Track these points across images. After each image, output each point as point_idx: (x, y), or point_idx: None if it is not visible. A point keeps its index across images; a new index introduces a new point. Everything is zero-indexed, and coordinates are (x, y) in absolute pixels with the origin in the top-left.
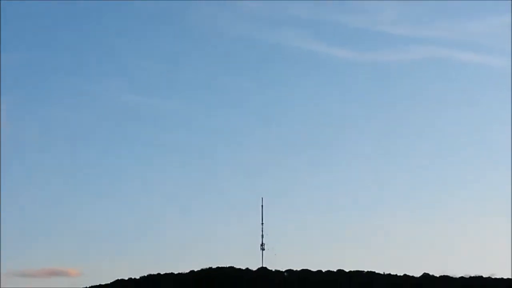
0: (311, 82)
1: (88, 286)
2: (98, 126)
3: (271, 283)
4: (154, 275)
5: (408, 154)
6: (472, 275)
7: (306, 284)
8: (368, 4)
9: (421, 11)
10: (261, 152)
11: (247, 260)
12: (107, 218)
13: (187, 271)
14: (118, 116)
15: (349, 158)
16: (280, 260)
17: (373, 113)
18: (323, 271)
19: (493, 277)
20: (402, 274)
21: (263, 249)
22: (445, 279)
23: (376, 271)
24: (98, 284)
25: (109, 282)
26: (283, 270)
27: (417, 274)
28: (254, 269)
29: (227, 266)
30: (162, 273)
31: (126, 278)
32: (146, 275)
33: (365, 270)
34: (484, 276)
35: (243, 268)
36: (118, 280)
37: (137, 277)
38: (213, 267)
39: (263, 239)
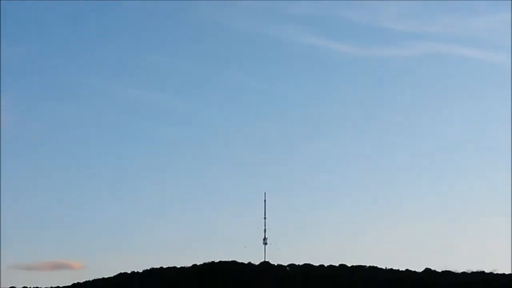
0: (313, 77)
1: (91, 279)
2: (102, 121)
3: (273, 277)
4: (157, 268)
5: (409, 150)
6: (474, 270)
7: (309, 278)
8: (370, 0)
9: (423, 7)
10: (263, 148)
11: (250, 254)
12: (111, 211)
13: (190, 264)
14: (122, 111)
15: (351, 154)
16: (283, 255)
17: (375, 109)
18: (325, 265)
19: (495, 272)
20: (404, 269)
21: (265, 244)
22: (447, 274)
23: (378, 266)
24: (101, 277)
25: (112, 275)
26: (286, 265)
27: (419, 269)
28: (257, 263)
29: (230, 260)
30: (165, 266)
31: (129, 272)
32: (149, 268)
33: (367, 265)
34: (486, 271)
35: (246, 262)
36: (121, 273)
37: (140, 271)
38: (215, 261)
39: (266, 233)
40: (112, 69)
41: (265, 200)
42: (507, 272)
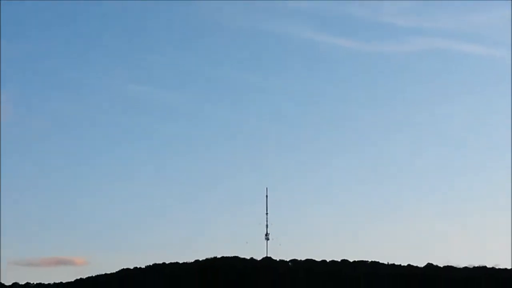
0: (314, 73)
1: (93, 275)
2: (103, 118)
3: (275, 272)
4: (159, 264)
5: (410, 146)
6: (476, 265)
7: (311, 274)
8: None
9: (423, 2)
10: (265, 143)
11: (252, 250)
12: (112, 207)
13: (192, 260)
14: (124, 107)
15: (352, 150)
16: (285, 250)
17: (375, 104)
18: (328, 261)
19: (496, 267)
20: (406, 264)
21: (267, 239)
22: (449, 269)
23: (380, 261)
24: (103, 273)
25: (114, 271)
26: (288, 260)
27: (421, 264)
28: (259, 259)
29: (232, 255)
30: (167, 262)
31: (132, 267)
32: (151, 264)
33: (369, 260)
34: (487, 266)
35: (248, 258)
36: (123, 269)
37: (143, 266)
38: (218, 256)
39: (268, 229)
40: (116, 65)
41: (267, 196)
42: (508, 267)
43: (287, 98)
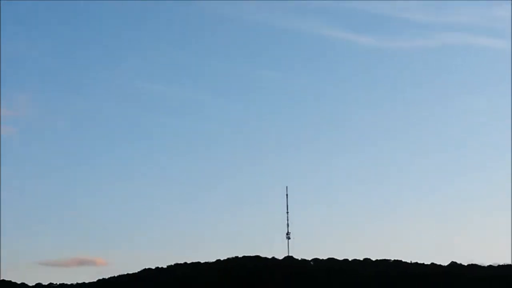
0: (334, 70)
1: (115, 275)
2: (121, 116)
3: (297, 272)
4: (180, 264)
5: (434, 141)
6: (501, 264)
7: (332, 273)
8: None
9: None
10: (285, 142)
11: (273, 249)
12: (134, 208)
13: (214, 260)
14: (139, 105)
15: (374, 147)
16: (306, 249)
17: (395, 99)
18: (350, 259)
19: None
20: (429, 263)
21: (288, 238)
22: (473, 267)
23: (403, 260)
24: (126, 273)
25: (136, 271)
26: (309, 259)
27: (445, 262)
28: (280, 258)
29: (253, 255)
30: (188, 262)
31: (153, 267)
32: (173, 264)
33: (392, 259)
34: None
35: (269, 257)
36: (145, 269)
37: (164, 266)
38: (239, 256)
39: (289, 228)
40: (127, 60)
41: (287, 195)
42: None
43: (306, 96)
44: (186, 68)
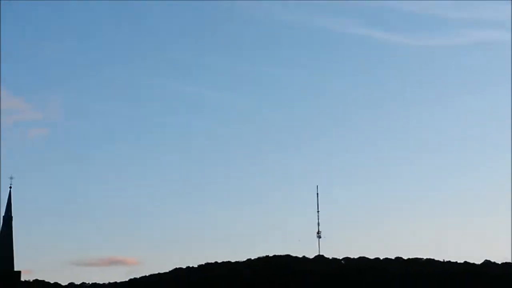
0: (367, 70)
1: (147, 275)
2: (164, 120)
3: (328, 271)
4: (211, 263)
5: (466, 139)
6: None
7: (363, 272)
8: None
9: None
10: (316, 141)
11: (304, 248)
12: (164, 207)
13: (244, 259)
14: (176, 107)
15: (404, 144)
16: (337, 248)
17: (428, 97)
18: (381, 258)
19: None
20: (462, 261)
21: (319, 237)
22: (508, 266)
23: (436, 258)
24: (157, 272)
25: (167, 271)
26: (340, 258)
27: (478, 261)
28: (311, 257)
29: (284, 254)
30: (219, 261)
31: (184, 267)
32: (203, 263)
33: (424, 258)
34: None
35: (300, 256)
36: (176, 268)
37: (195, 266)
38: (269, 255)
39: (319, 226)
40: (151, 59)
41: (317, 193)
42: None
43: (337, 93)
44: (226, 71)
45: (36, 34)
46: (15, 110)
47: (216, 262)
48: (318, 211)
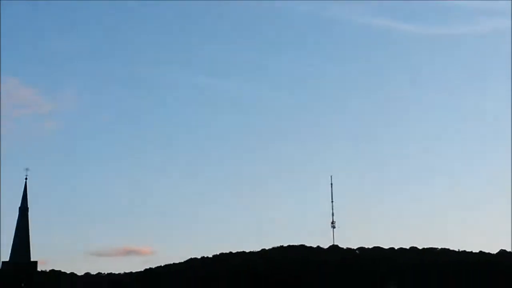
0: (378, 58)
1: (162, 265)
2: (179, 112)
3: (342, 261)
4: (226, 253)
5: (488, 128)
6: None
7: (378, 262)
8: None
9: None
10: (329, 130)
11: (318, 238)
12: (178, 197)
13: (259, 249)
14: (192, 99)
15: (419, 134)
16: (352, 238)
17: (444, 87)
18: (396, 248)
19: None
20: (477, 251)
21: (333, 227)
22: None
23: (451, 248)
24: (172, 262)
25: (182, 261)
26: (355, 248)
27: (494, 250)
28: (325, 247)
29: (298, 244)
30: (233, 251)
31: (199, 257)
32: (218, 253)
33: (439, 247)
34: None
35: (314, 246)
36: (191, 258)
37: (210, 256)
38: (284, 245)
39: (334, 217)
40: (178, 57)
41: (331, 183)
42: None
43: (350, 83)
44: (242, 63)
45: (50, 27)
46: (30, 103)
47: (230, 253)
48: (332, 201)
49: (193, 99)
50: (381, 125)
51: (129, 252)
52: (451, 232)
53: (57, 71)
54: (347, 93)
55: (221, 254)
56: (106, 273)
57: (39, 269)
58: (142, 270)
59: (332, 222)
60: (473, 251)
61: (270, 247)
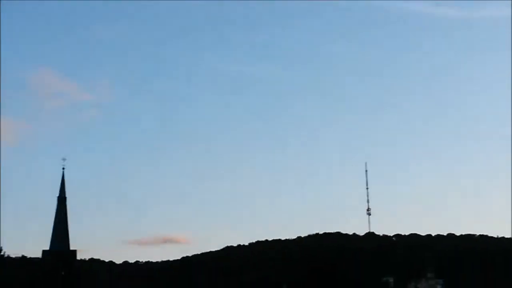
0: (421, 43)
1: (198, 253)
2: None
3: (378, 248)
4: (262, 241)
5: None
6: None
7: (415, 249)
8: None
9: None
10: (364, 117)
11: (354, 225)
12: (216, 187)
13: (295, 237)
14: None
15: (457, 120)
16: (388, 225)
17: (488, 69)
18: (433, 235)
19: None
20: None
21: (369, 214)
22: None
23: (489, 235)
24: (208, 251)
25: (218, 249)
26: (391, 235)
27: None
28: (361, 234)
29: (334, 231)
30: (269, 239)
31: (235, 245)
32: (254, 241)
33: (477, 234)
34: None
35: (350, 233)
36: (227, 246)
37: (246, 244)
38: (320, 233)
39: (369, 204)
40: (211, 44)
41: (366, 170)
42: None
43: (389, 69)
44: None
45: (87, 18)
46: (67, 92)
47: (266, 240)
48: (367, 188)
49: (227, 84)
50: (416, 112)
51: (167, 241)
52: (489, 218)
53: (94, 61)
54: (382, 81)
55: (257, 242)
56: (143, 261)
57: (78, 257)
58: (179, 258)
59: (368, 209)
60: None
61: (306, 235)
